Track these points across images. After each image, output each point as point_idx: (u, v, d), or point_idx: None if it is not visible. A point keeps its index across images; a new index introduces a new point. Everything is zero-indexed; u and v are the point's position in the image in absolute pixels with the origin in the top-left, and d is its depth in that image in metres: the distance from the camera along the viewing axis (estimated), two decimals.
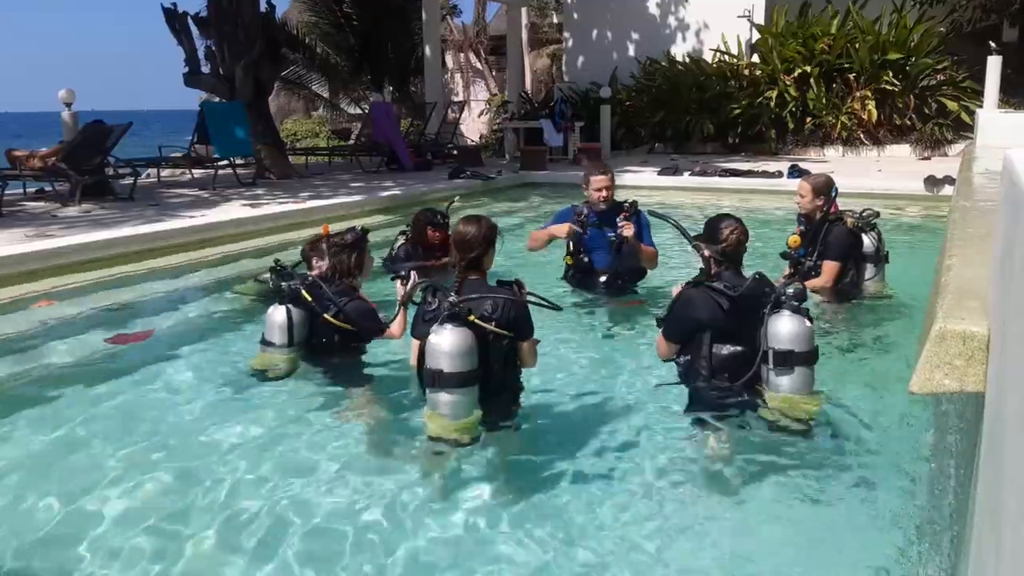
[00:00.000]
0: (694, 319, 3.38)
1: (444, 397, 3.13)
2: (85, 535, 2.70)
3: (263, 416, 3.63)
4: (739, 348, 3.30)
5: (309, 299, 3.88)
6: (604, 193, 5.25)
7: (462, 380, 3.10)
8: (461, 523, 2.78)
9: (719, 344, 3.33)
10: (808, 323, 3.25)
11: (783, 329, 3.20)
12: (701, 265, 3.52)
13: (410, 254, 5.61)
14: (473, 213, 3.58)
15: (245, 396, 3.87)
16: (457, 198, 6.14)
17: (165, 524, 2.78)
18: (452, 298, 3.14)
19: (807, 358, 3.24)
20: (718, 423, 3.30)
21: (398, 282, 3.79)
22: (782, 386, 3.23)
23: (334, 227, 4.41)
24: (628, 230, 5.06)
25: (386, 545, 2.66)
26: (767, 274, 3.46)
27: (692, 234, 3.66)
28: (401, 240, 5.79)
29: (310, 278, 3.99)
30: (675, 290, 3.57)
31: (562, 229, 5.30)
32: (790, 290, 3.25)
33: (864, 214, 5.18)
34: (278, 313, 3.92)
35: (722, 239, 3.41)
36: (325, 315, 3.87)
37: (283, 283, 4.05)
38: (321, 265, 4.10)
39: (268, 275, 4.96)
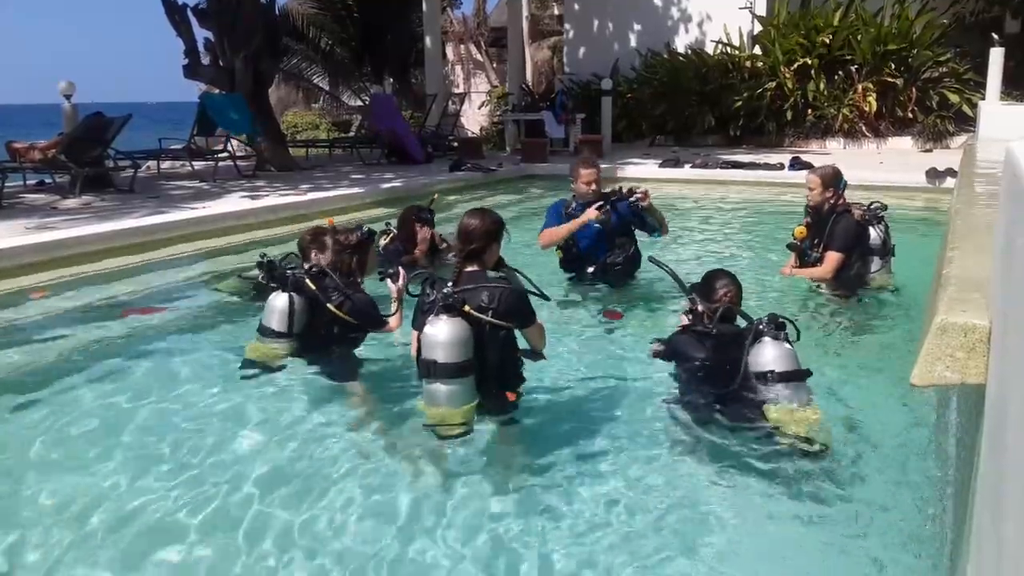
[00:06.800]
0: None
1: (439, 387, 3.13)
2: (80, 520, 2.72)
3: (257, 406, 3.62)
4: (725, 376, 3.30)
5: (313, 287, 3.83)
6: (594, 186, 5.32)
7: (456, 370, 3.11)
8: (455, 514, 2.77)
9: (707, 373, 3.37)
10: (788, 346, 3.25)
11: (766, 355, 3.21)
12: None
13: (400, 251, 5.64)
14: (480, 206, 3.58)
15: (240, 386, 3.84)
16: (436, 195, 6.22)
17: (159, 508, 2.79)
18: (447, 289, 3.14)
19: (793, 376, 3.21)
20: (709, 426, 3.29)
21: (388, 281, 3.80)
22: (777, 398, 3.19)
23: (337, 220, 4.40)
24: (645, 200, 5.18)
25: (380, 536, 2.66)
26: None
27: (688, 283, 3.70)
28: (385, 239, 5.76)
29: (314, 267, 3.96)
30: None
31: (590, 214, 5.12)
32: (765, 318, 3.29)
33: (872, 207, 5.18)
34: (279, 299, 3.85)
35: (715, 299, 3.47)
36: (329, 304, 3.80)
37: (287, 271, 4.00)
38: (320, 258, 4.06)
39: (254, 271, 4.95)
